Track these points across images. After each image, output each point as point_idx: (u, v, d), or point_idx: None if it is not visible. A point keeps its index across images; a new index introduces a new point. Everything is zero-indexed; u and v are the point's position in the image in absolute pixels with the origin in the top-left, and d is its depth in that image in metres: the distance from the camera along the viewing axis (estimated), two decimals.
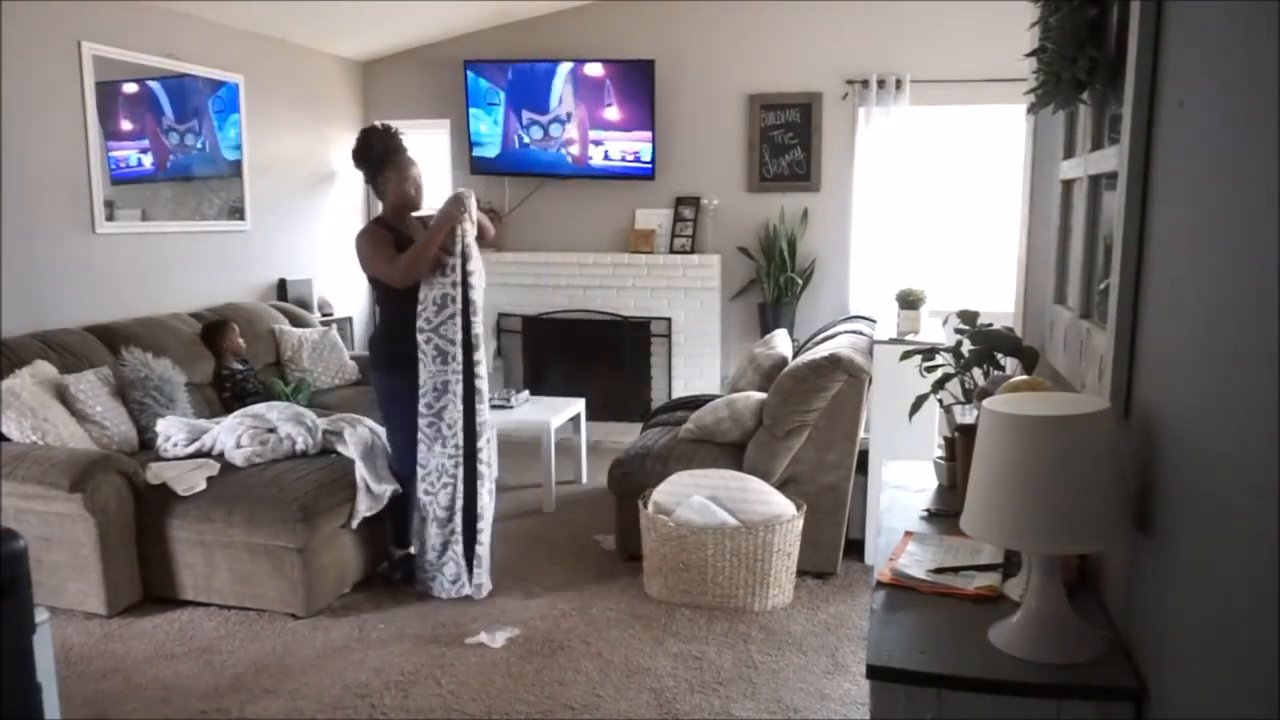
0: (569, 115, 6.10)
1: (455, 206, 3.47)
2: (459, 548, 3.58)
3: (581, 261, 6.22)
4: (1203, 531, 1.15)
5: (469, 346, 3.55)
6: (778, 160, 6.05)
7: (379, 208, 3.86)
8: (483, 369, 3.63)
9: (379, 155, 3.61)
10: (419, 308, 3.48)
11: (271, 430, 3.77)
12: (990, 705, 1.38)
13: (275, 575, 3.42)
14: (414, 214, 3.71)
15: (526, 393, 5.14)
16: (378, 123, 3.74)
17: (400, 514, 3.77)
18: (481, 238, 3.62)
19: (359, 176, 6.49)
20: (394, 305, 3.60)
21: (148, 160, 4.90)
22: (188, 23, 5.10)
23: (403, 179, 3.62)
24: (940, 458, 2.29)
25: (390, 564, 3.86)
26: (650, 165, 6.06)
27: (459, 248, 3.48)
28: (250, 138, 5.60)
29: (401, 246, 3.52)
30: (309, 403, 4.82)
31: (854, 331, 4.40)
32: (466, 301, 3.52)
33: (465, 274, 3.50)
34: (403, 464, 3.70)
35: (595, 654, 3.17)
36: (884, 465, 2.53)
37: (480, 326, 3.60)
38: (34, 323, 4.13)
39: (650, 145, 6.03)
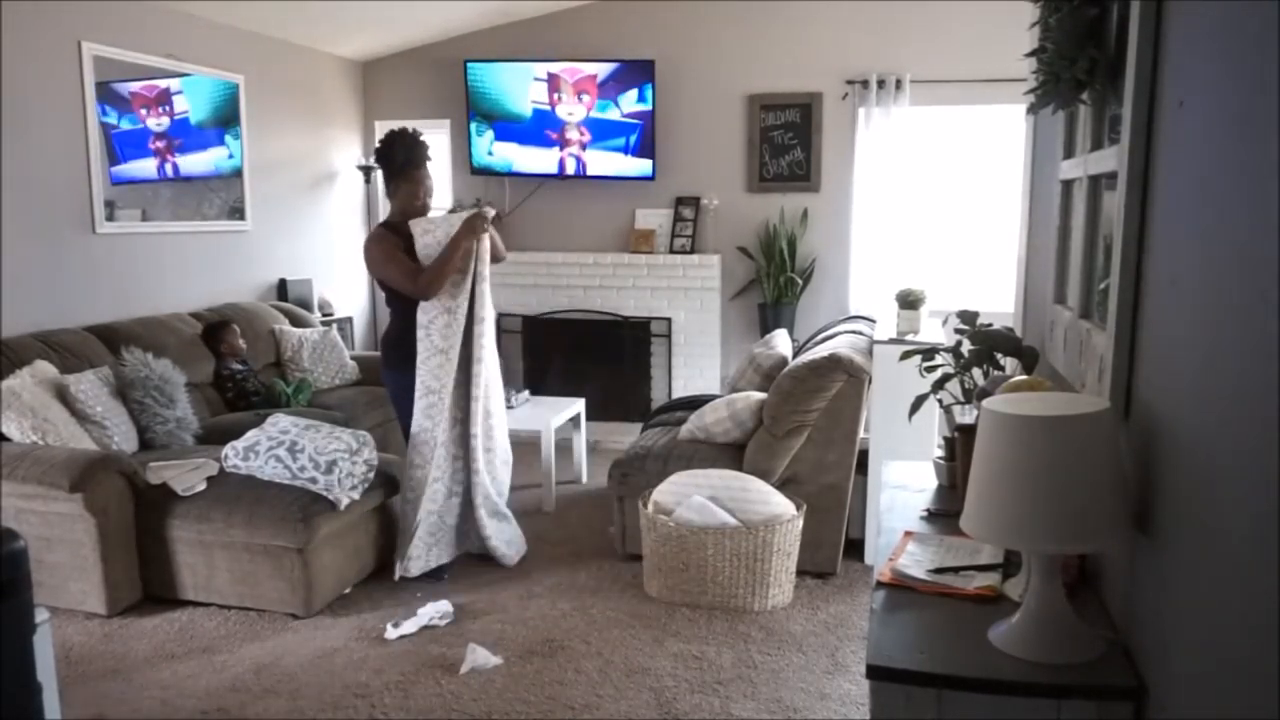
0: (570, 115, 6.11)
1: (476, 223, 3.55)
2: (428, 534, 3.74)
3: (581, 261, 6.22)
4: (1202, 531, 1.15)
5: (468, 359, 3.68)
6: (778, 160, 6.05)
7: (380, 208, 3.91)
8: (484, 384, 3.73)
9: (399, 162, 3.67)
10: (426, 315, 3.60)
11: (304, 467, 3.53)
12: (990, 705, 1.38)
13: (275, 575, 3.42)
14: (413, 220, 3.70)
15: (526, 393, 5.15)
16: (406, 127, 3.78)
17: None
18: (494, 258, 3.73)
19: (359, 177, 6.62)
20: (405, 307, 3.68)
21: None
22: (188, 23, 5.10)
23: (414, 192, 3.70)
24: (940, 458, 2.29)
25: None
26: (650, 165, 6.06)
27: (473, 266, 3.60)
28: (250, 138, 5.60)
29: (408, 250, 3.60)
30: (309, 403, 4.83)
31: (854, 331, 4.40)
32: (472, 314, 3.65)
33: (474, 293, 3.63)
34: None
35: (595, 654, 3.17)
36: (884, 465, 2.53)
37: (487, 347, 3.71)
38: (34, 323, 4.13)
39: (650, 145, 6.02)
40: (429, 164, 3.75)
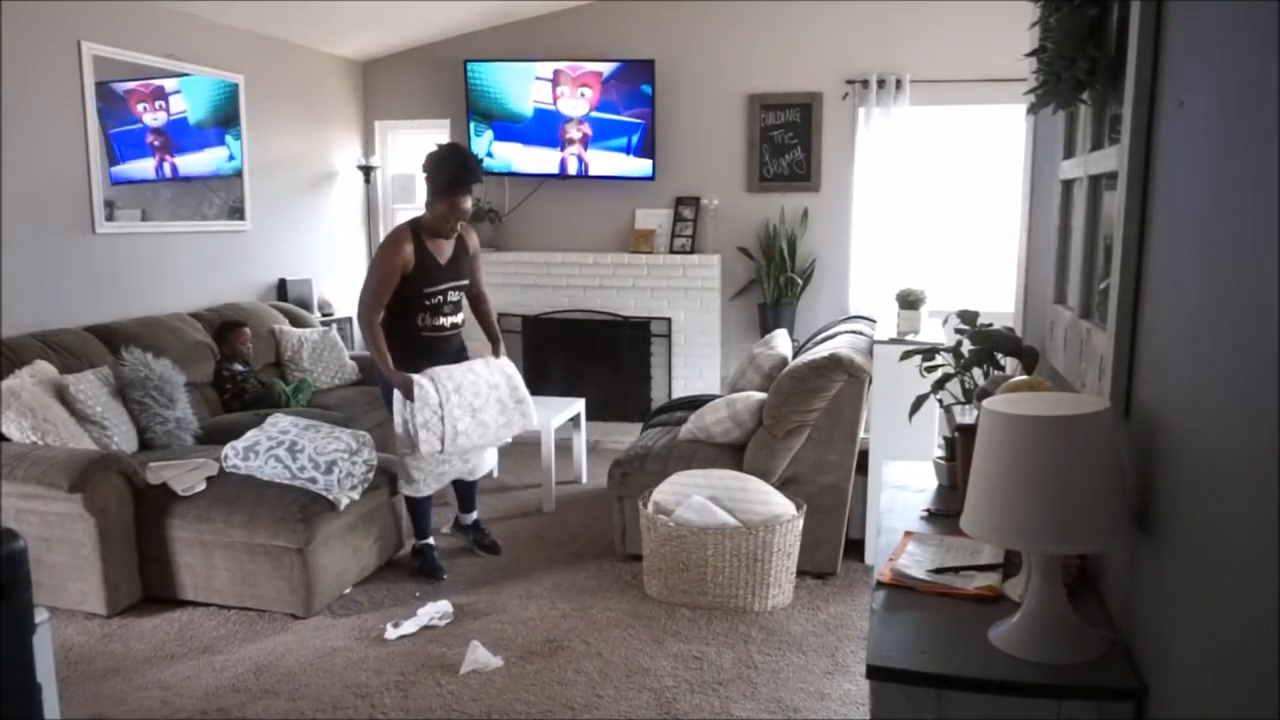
0: (569, 115, 6.11)
1: (407, 391, 3.59)
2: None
3: (581, 261, 6.22)
4: (1202, 531, 1.15)
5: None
6: (778, 160, 6.05)
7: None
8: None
9: (443, 183, 3.62)
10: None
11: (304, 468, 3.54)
12: (990, 705, 1.38)
13: (275, 575, 3.42)
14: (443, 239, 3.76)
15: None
16: (460, 146, 3.81)
17: (417, 508, 3.86)
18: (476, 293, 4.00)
19: (359, 177, 6.62)
20: (394, 306, 3.68)
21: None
22: (188, 23, 5.10)
23: (447, 215, 3.66)
24: (940, 458, 2.29)
25: (412, 552, 3.93)
26: (650, 165, 6.06)
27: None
28: (250, 138, 5.60)
29: (420, 257, 3.64)
30: (309, 403, 4.83)
31: (854, 331, 4.40)
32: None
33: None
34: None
35: (595, 654, 3.17)
36: (884, 465, 2.53)
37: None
38: (34, 323, 4.13)
39: (650, 145, 6.02)
40: (473, 189, 3.70)
